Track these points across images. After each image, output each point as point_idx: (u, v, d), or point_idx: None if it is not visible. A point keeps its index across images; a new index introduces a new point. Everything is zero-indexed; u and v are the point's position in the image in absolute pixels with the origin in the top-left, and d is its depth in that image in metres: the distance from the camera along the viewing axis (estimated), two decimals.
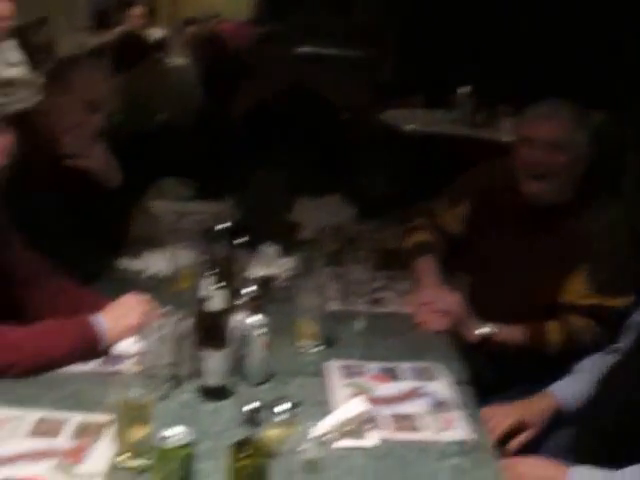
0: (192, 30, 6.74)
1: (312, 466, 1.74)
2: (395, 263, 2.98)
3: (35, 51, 7.38)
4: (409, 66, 6.65)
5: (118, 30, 6.57)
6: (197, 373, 2.07)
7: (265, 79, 3.98)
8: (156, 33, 6.67)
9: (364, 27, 7.00)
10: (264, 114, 3.87)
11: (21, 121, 2.30)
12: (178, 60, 6.27)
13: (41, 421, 1.94)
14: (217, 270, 2.05)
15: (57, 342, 2.19)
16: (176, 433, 1.60)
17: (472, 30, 6.49)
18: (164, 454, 1.58)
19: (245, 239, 2.53)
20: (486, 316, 2.60)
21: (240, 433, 1.72)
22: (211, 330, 2.03)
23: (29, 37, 7.56)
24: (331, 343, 2.38)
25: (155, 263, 2.83)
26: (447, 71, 6.07)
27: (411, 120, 5.52)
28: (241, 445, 1.56)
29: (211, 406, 2.03)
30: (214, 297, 2.02)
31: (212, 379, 2.04)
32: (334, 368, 2.26)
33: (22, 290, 2.44)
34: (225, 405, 2.03)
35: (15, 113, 2.59)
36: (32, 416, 1.95)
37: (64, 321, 2.24)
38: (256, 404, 1.85)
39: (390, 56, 6.98)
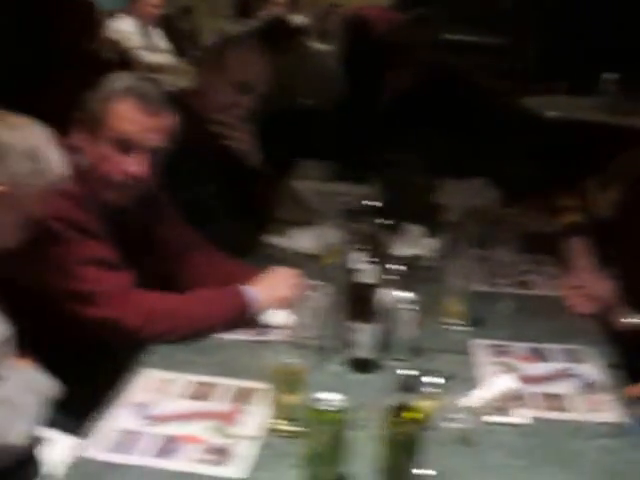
0: (336, 15, 6.80)
1: (462, 439, 1.75)
2: (539, 247, 2.95)
3: (180, 38, 7.60)
4: (552, 52, 6.53)
5: (263, 16, 6.69)
6: (346, 345, 2.11)
7: (410, 64, 3.99)
8: (299, 19, 6.76)
9: (508, 13, 6.91)
10: (409, 98, 3.88)
11: (176, 102, 2.38)
12: (321, 45, 6.34)
13: (197, 385, 2.02)
14: (366, 245, 2.09)
15: (212, 310, 2.28)
16: (331, 399, 1.63)
17: (618, 14, 6.32)
18: (319, 418, 1.61)
19: (390, 221, 2.56)
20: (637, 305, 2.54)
21: (388, 404, 1.74)
22: (361, 303, 2.07)
23: (175, 25, 7.78)
24: (477, 323, 2.38)
25: (301, 240, 2.89)
26: (591, 57, 5.92)
27: (554, 106, 5.43)
28: (396, 410, 1.58)
29: (359, 378, 2.07)
30: (365, 270, 2.05)
31: (361, 352, 2.08)
32: (481, 347, 2.27)
33: (177, 262, 2.54)
34: (373, 378, 2.07)
35: (174, 94, 2.67)
36: (188, 380, 2.04)
37: (218, 290, 2.33)
38: (412, 371, 1.87)
39: (533, 42, 6.86)
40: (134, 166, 2.24)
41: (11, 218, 1.89)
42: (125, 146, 2.23)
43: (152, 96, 2.27)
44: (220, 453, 1.73)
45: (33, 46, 4.02)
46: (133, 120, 2.23)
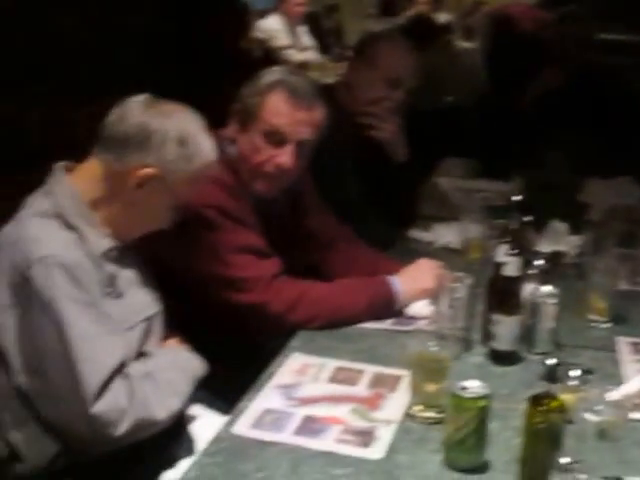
0: (481, 13, 6.78)
1: (604, 433, 1.75)
2: None
3: (325, 36, 7.72)
4: None
5: (407, 14, 6.74)
6: (488, 337, 2.13)
7: (558, 62, 3.95)
8: (443, 17, 6.78)
9: None
10: (555, 96, 3.85)
11: (324, 97, 2.44)
12: (466, 43, 6.33)
13: (340, 370, 2.08)
14: (511, 239, 2.10)
15: (356, 299, 2.33)
16: (472, 386, 1.66)
17: None
18: (460, 404, 1.64)
19: (532, 218, 2.56)
20: None
21: (531, 394, 1.75)
22: (504, 296, 2.08)
23: (320, 23, 7.91)
24: (620, 320, 2.36)
25: (445, 235, 2.92)
26: None
27: None
28: (540, 399, 1.59)
29: (500, 370, 2.08)
30: (509, 263, 2.07)
31: (502, 344, 2.09)
32: (624, 344, 2.24)
33: (323, 253, 2.62)
34: (514, 370, 2.08)
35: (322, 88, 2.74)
36: (331, 365, 2.10)
37: (363, 280, 2.39)
38: (556, 360, 1.88)
39: None
40: (284, 158, 2.31)
41: (163, 201, 1.98)
42: (276, 138, 2.31)
43: (303, 90, 2.34)
44: (361, 435, 1.78)
45: (194, 46, 4.20)
46: (284, 113, 2.30)
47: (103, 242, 1.92)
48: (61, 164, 1.98)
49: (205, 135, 2.00)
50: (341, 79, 3.07)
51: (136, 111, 1.94)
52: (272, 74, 2.37)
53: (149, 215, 2.00)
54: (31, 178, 1.98)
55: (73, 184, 1.94)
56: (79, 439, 1.81)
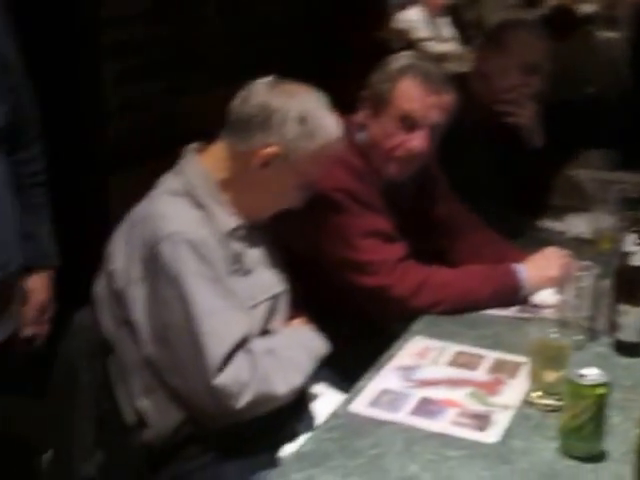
0: (625, 2, 6.59)
1: None
2: None
3: (466, 28, 7.66)
4: None
5: (550, 4, 6.61)
6: (613, 328, 2.08)
7: None
8: (587, 7, 6.61)
9: None
10: None
11: (457, 83, 2.44)
12: (609, 33, 6.16)
13: (460, 354, 2.08)
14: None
15: (481, 285, 2.33)
16: (592, 374, 1.64)
17: None
18: (578, 391, 1.62)
19: None
20: None
21: None
22: (632, 286, 2.04)
23: (461, 15, 7.85)
24: None
25: (577, 225, 2.88)
26: None
27: None
28: None
29: (624, 361, 2.04)
30: (637, 253, 2.02)
31: (628, 335, 2.05)
32: None
33: (450, 240, 2.62)
34: (637, 362, 2.04)
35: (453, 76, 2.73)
36: (452, 349, 2.11)
37: (489, 267, 2.38)
38: None
39: None
40: (416, 142, 2.32)
41: (288, 180, 2.02)
42: (408, 123, 2.32)
43: (434, 74, 2.35)
44: (477, 419, 1.78)
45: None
46: (417, 98, 2.31)
47: (230, 221, 1.98)
48: (193, 145, 2.05)
49: (327, 113, 2.03)
50: (474, 68, 3.04)
51: (259, 92, 2.00)
52: (401, 59, 2.38)
53: (276, 195, 2.04)
54: None
55: (203, 165, 2.01)
56: (202, 410, 1.87)
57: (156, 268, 1.86)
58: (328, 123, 2.02)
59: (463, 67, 4.94)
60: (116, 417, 1.95)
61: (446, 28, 7.08)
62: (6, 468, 1.93)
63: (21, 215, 2.16)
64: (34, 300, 2.26)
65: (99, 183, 3.64)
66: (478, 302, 2.32)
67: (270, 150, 1.96)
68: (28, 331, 2.26)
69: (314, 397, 2.11)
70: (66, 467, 1.94)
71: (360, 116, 2.41)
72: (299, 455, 1.68)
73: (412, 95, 2.32)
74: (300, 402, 2.04)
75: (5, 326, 2.06)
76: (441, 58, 5.90)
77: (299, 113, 1.97)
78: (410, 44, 6.32)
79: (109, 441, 1.97)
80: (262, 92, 1.99)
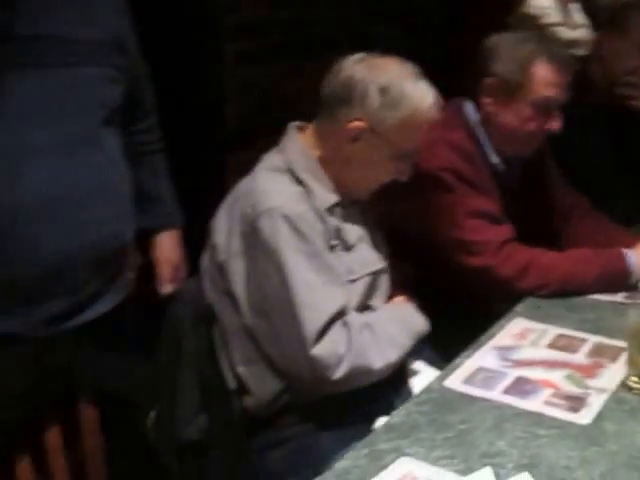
0: None
1: None
2: None
3: (597, 13, 7.44)
4: None
5: None
6: None
7: None
8: None
9: None
10: None
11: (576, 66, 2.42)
12: None
13: (560, 337, 2.07)
14: None
15: (588, 268, 2.30)
16: None
17: None
18: None
19: None
20: None
21: None
22: None
23: (593, 1, 7.63)
24: None
25: None
26: None
27: None
28: None
29: None
30: None
31: None
32: None
33: (559, 222, 2.60)
34: None
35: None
36: (553, 331, 2.10)
37: (597, 250, 2.35)
38: None
39: None
40: (555, 123, 2.35)
41: (381, 152, 2.01)
42: (547, 106, 2.33)
43: (561, 54, 2.35)
44: (571, 400, 1.77)
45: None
46: (553, 81, 2.33)
47: (329, 197, 2.01)
48: (294, 123, 2.09)
49: (414, 81, 1.99)
50: (592, 51, 2.99)
51: (346, 67, 2.01)
52: (528, 44, 2.35)
53: (372, 168, 2.05)
54: None
55: (302, 142, 2.05)
56: (299, 379, 1.92)
57: (255, 242, 1.90)
58: (414, 92, 1.98)
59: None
60: (219, 383, 2.01)
61: (577, 14, 6.91)
62: (116, 423, 2.02)
63: (145, 181, 2.26)
64: (168, 259, 2.37)
65: (217, 162, 3.74)
66: (584, 285, 2.29)
67: (357, 124, 1.97)
68: (167, 289, 2.36)
69: (413, 373, 2.13)
70: (169, 429, 2.02)
71: (485, 104, 2.40)
72: (388, 426, 1.71)
73: (550, 80, 2.33)
74: (398, 376, 2.06)
75: (120, 291, 2.14)
76: (571, 44, 5.76)
77: (380, 84, 1.96)
78: (540, 29, 6.19)
79: (211, 406, 2.03)
80: (348, 67, 2.01)
